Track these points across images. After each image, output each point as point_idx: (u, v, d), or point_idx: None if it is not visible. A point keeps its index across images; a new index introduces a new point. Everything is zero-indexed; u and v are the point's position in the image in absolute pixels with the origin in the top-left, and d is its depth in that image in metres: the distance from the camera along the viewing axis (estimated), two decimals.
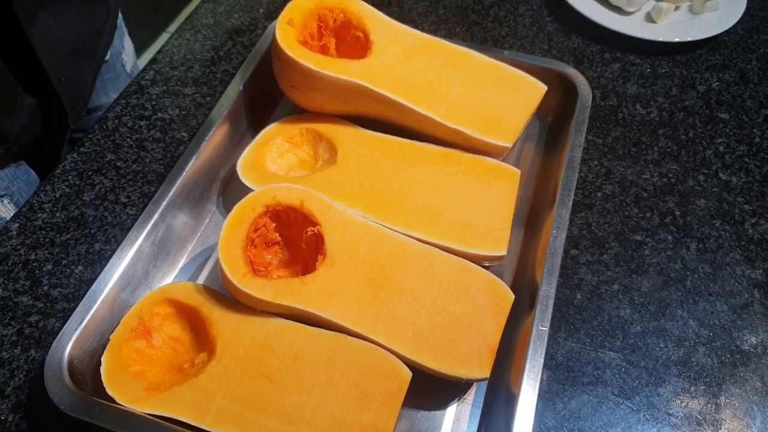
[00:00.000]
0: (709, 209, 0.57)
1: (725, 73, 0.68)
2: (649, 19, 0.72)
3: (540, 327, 0.44)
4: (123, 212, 0.57)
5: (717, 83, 0.67)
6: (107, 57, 0.71)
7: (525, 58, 0.62)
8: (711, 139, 0.62)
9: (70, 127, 0.65)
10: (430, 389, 0.45)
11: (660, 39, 0.69)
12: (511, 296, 0.46)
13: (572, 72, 0.61)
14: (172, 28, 2.35)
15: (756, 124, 0.64)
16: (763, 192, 0.58)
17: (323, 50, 0.61)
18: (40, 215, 0.57)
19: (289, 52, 0.55)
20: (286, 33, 0.56)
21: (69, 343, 0.44)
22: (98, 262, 0.54)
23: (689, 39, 0.69)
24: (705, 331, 0.49)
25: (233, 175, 0.57)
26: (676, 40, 0.69)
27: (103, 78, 0.72)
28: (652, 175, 0.59)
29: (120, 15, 0.74)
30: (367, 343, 0.43)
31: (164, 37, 2.29)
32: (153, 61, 0.70)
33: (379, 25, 0.60)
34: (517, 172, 0.55)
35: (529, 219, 0.57)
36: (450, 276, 0.47)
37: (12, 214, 0.59)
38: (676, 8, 0.73)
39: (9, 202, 0.62)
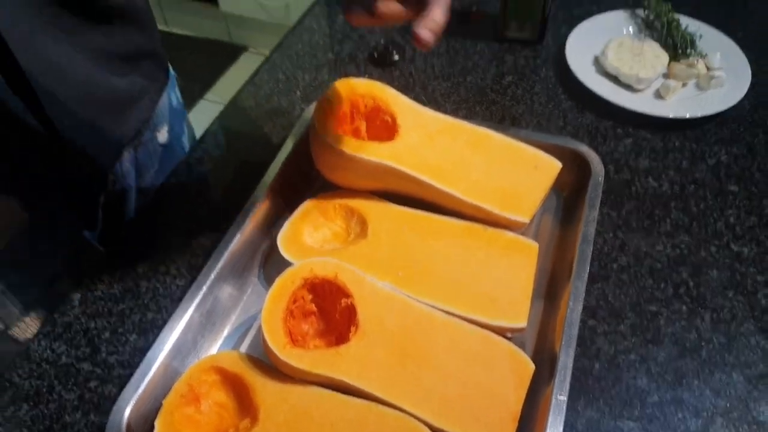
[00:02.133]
0: (722, 280, 0.60)
1: (733, 147, 0.72)
2: (658, 96, 0.77)
3: (559, 397, 0.47)
4: (173, 283, 0.62)
5: (726, 156, 0.71)
6: (164, 140, 0.77)
7: (540, 136, 0.67)
8: (721, 210, 0.66)
9: (82, 185, 0.67)
10: None
11: (669, 115, 0.73)
12: (532, 366, 0.50)
13: (585, 149, 0.65)
14: (210, 96, 2.49)
15: (765, 196, 0.67)
16: None
17: (355, 132, 0.67)
18: (99, 285, 0.63)
19: (325, 137, 0.60)
20: (323, 119, 0.62)
21: (127, 409, 0.49)
22: (150, 330, 0.59)
23: (697, 115, 0.73)
24: (722, 402, 0.52)
25: (273, 247, 0.62)
26: (687, 116, 0.73)
27: (162, 160, 0.78)
28: (665, 247, 0.63)
29: (178, 97, 0.81)
30: (398, 412, 0.47)
31: (202, 104, 2.42)
32: (201, 140, 0.77)
33: (405, 109, 0.66)
34: (536, 246, 0.59)
35: (549, 290, 0.61)
36: (474, 347, 0.50)
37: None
38: (684, 85, 0.78)
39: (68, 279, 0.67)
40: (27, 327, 0.65)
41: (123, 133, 0.68)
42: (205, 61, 2.63)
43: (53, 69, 0.56)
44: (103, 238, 0.72)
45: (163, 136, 0.80)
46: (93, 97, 0.62)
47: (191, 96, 2.42)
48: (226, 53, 2.69)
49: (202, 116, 0.88)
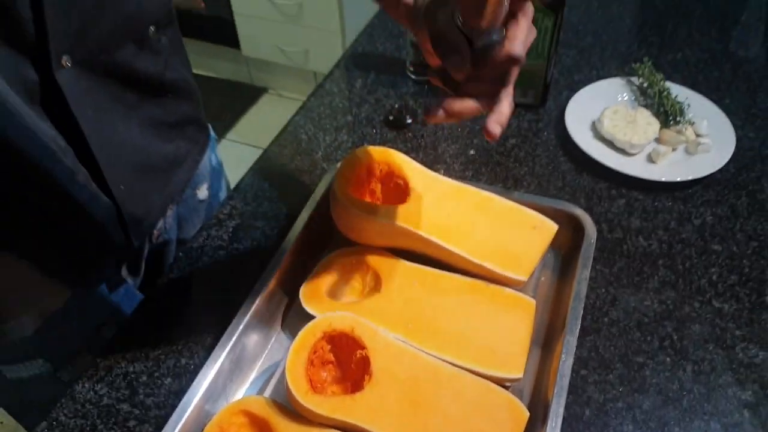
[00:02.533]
0: (704, 334, 0.66)
1: (718, 208, 0.78)
2: (650, 160, 0.84)
3: None
4: (204, 331, 0.69)
5: (711, 217, 0.77)
6: (204, 196, 0.84)
7: (539, 199, 0.74)
8: (705, 269, 0.72)
9: (132, 243, 0.70)
10: None
11: (660, 179, 0.80)
12: (526, 414, 0.56)
13: (580, 212, 0.72)
14: (231, 135, 2.60)
15: (745, 255, 0.73)
16: (752, 319, 0.66)
17: (371, 194, 0.74)
18: (137, 332, 0.70)
19: (344, 201, 0.68)
20: (342, 183, 0.69)
21: None
22: (184, 375, 0.66)
23: (686, 178, 0.79)
24: None
25: (296, 300, 0.69)
26: (676, 179, 0.80)
27: (200, 215, 0.85)
28: (652, 302, 0.69)
29: (217, 156, 0.89)
30: None
31: (223, 144, 2.53)
32: (230, 197, 0.85)
33: (416, 174, 0.73)
34: (533, 302, 0.65)
35: (546, 340, 0.66)
36: (475, 395, 0.56)
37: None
38: (673, 150, 0.85)
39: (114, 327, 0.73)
40: (74, 370, 0.72)
41: (168, 193, 0.75)
42: (227, 102, 2.75)
43: (114, 141, 0.62)
44: (144, 285, 0.79)
45: (203, 193, 0.88)
46: (146, 164, 0.68)
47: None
48: (247, 95, 2.82)
49: (224, 156, 0.96)
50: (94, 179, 0.61)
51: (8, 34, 0.47)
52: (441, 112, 0.49)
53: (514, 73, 0.49)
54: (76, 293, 0.68)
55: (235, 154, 2.42)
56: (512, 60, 0.47)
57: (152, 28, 0.64)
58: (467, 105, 0.50)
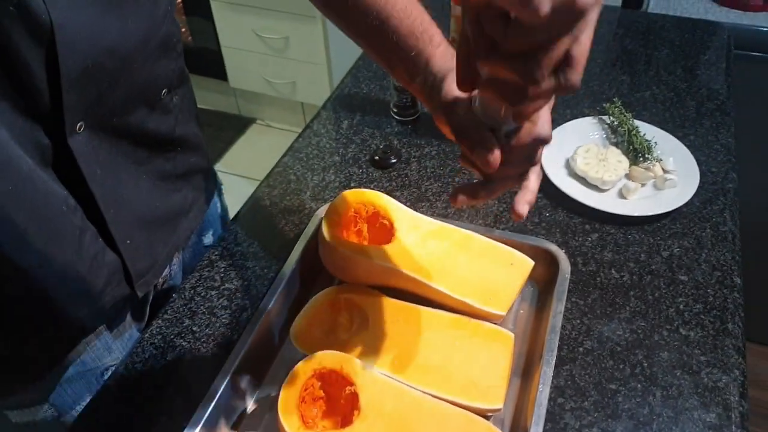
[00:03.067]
0: (671, 361, 0.70)
1: (684, 240, 0.83)
2: (621, 195, 0.89)
3: None
4: (199, 370, 0.72)
5: (678, 249, 0.82)
6: (210, 242, 0.86)
7: (517, 236, 0.78)
8: (673, 298, 0.76)
9: (137, 295, 0.71)
10: None
11: (631, 213, 0.85)
12: None
13: (554, 248, 0.77)
14: (219, 166, 2.64)
15: (709, 285, 0.77)
16: (715, 345, 0.71)
17: (358, 233, 0.78)
18: (133, 374, 0.73)
19: (332, 243, 0.72)
20: (330, 225, 0.73)
21: None
22: (180, 413, 0.69)
23: (654, 212, 0.84)
24: None
25: (287, 339, 0.73)
26: (646, 213, 0.85)
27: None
28: (624, 332, 0.73)
29: (223, 203, 0.92)
30: None
31: None
32: (221, 238, 0.89)
33: (401, 214, 0.77)
34: (511, 336, 0.69)
35: (525, 370, 0.70)
36: (458, 427, 0.60)
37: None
38: (643, 185, 0.90)
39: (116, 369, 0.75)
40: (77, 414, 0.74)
41: (174, 243, 0.76)
42: (215, 132, 2.80)
43: (121, 197, 0.63)
44: (147, 328, 0.82)
45: (208, 239, 0.90)
46: (153, 216, 0.70)
47: None
48: (235, 125, 2.87)
49: None
50: (101, 235, 0.63)
51: (26, 105, 0.50)
52: (462, 198, 0.50)
53: (541, 151, 0.50)
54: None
55: (224, 185, 2.44)
56: (540, 141, 0.48)
57: (165, 91, 0.66)
58: (493, 192, 0.51)
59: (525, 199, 0.50)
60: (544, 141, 0.48)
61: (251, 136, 2.82)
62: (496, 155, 0.46)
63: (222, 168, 2.63)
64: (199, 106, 0.79)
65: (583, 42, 0.36)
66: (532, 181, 0.51)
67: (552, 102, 0.47)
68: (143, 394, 0.71)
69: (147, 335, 0.76)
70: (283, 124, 2.81)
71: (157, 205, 0.70)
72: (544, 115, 0.48)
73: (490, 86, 0.41)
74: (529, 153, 0.49)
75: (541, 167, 0.51)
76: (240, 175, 2.56)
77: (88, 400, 0.71)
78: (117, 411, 0.69)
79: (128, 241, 0.66)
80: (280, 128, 2.82)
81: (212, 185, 0.87)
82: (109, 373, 0.74)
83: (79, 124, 0.55)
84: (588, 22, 0.34)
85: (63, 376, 0.71)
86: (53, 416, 0.72)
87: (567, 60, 0.37)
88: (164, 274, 0.80)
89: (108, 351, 0.74)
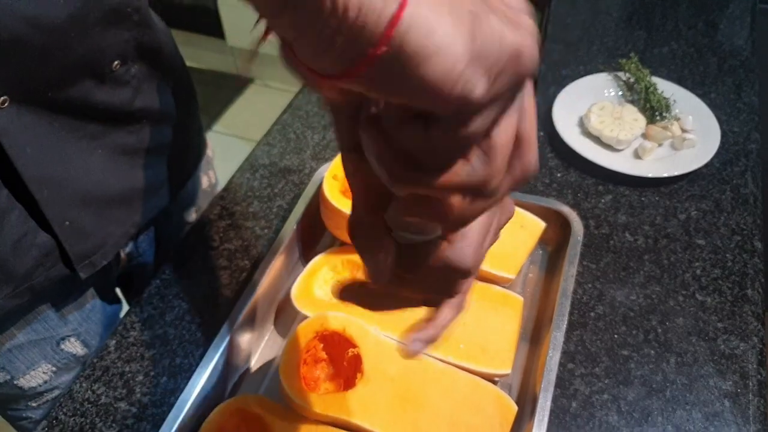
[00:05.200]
0: (687, 327, 0.67)
1: (702, 203, 0.80)
2: (637, 155, 0.85)
3: None
4: (198, 330, 0.70)
5: (695, 212, 0.79)
6: (193, 219, 0.80)
7: (527, 198, 0.75)
8: (689, 263, 0.73)
9: (80, 276, 0.64)
10: None
11: (646, 175, 0.81)
12: (515, 408, 0.57)
13: (567, 210, 0.73)
14: (217, 127, 2.59)
15: (728, 250, 0.74)
16: (733, 311, 0.68)
17: None
18: (132, 333, 0.71)
19: (333, 202, 0.68)
20: (331, 186, 0.70)
21: None
22: (179, 373, 0.67)
23: (671, 174, 0.81)
24: None
25: (288, 300, 0.70)
26: (663, 175, 0.81)
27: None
28: (638, 297, 0.70)
29: (211, 177, 0.86)
30: None
31: (210, 135, 2.52)
32: (220, 197, 0.86)
33: None
34: (521, 299, 0.66)
35: (534, 335, 0.68)
36: (464, 391, 0.58)
37: (79, 351, 0.71)
38: (659, 145, 0.86)
39: (76, 340, 0.71)
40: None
41: (135, 223, 0.69)
42: (213, 93, 2.74)
43: (60, 177, 0.57)
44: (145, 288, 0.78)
45: (191, 216, 0.85)
46: (106, 193, 0.62)
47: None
48: (232, 85, 2.80)
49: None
50: (33, 216, 0.57)
51: None
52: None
53: (465, 285, 0.35)
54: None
55: (221, 146, 2.39)
56: (452, 270, 0.32)
57: (116, 62, 0.59)
58: (390, 307, 0.38)
59: (423, 336, 0.36)
60: (459, 272, 0.32)
61: (249, 96, 2.76)
62: (386, 266, 0.33)
63: (219, 129, 2.58)
64: (194, 65, 0.73)
65: (528, 109, 0.27)
66: (443, 316, 0.36)
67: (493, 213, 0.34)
68: (142, 354, 0.68)
69: (145, 295, 0.74)
70: (281, 84, 2.75)
71: (113, 183, 0.63)
72: (470, 234, 0.32)
73: (414, 210, 0.28)
74: (442, 282, 0.34)
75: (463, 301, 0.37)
76: (238, 136, 2.51)
77: (43, 366, 0.68)
78: (117, 371, 0.67)
79: (67, 222, 0.59)
80: (279, 88, 2.75)
81: (194, 158, 0.81)
82: (66, 342, 0.70)
83: (1, 99, 0.49)
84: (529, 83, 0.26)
85: (11, 343, 0.67)
86: (5, 379, 0.69)
87: (515, 142, 0.26)
88: (128, 251, 0.74)
89: (63, 322, 0.70)
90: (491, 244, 0.34)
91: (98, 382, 0.67)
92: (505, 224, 0.35)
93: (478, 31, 0.21)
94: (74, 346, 0.72)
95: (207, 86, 2.77)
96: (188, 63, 0.76)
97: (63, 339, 0.70)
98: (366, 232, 0.33)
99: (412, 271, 0.33)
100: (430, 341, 0.36)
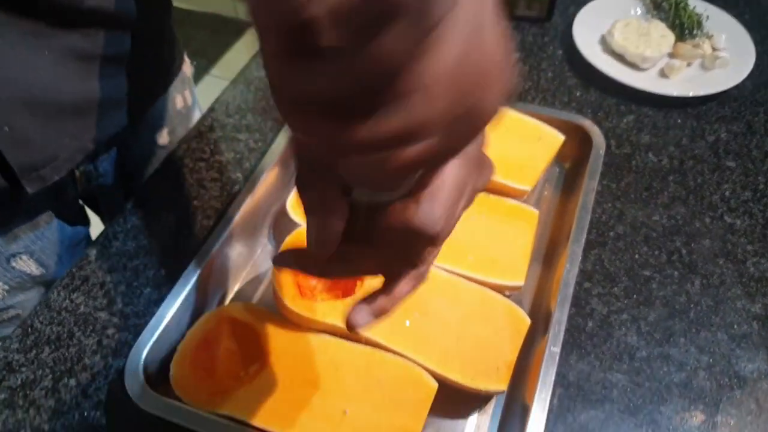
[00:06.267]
0: (714, 249, 0.62)
1: (733, 125, 0.74)
2: (663, 75, 0.79)
3: (552, 348, 0.49)
4: (185, 242, 0.65)
5: (725, 134, 0.73)
6: (165, 142, 0.74)
7: (545, 110, 0.69)
8: (718, 185, 0.68)
9: (26, 190, 0.57)
10: (454, 401, 0.51)
11: (673, 93, 0.75)
12: (527, 321, 0.52)
13: (588, 123, 0.67)
14: (215, 71, 2.51)
15: (761, 172, 0.69)
16: (764, 234, 0.63)
17: None
18: (114, 243, 0.66)
19: None
20: None
21: (143, 353, 0.52)
22: (164, 285, 0.62)
23: (700, 93, 0.75)
24: (705, 358, 0.54)
25: (282, 211, 0.65)
26: (690, 94, 0.75)
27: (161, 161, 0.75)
28: (661, 217, 0.65)
29: (187, 98, 0.79)
30: (399, 357, 0.50)
31: (207, 80, 2.44)
32: (211, 109, 0.80)
33: None
34: (536, 213, 0.61)
35: (546, 256, 0.63)
36: (473, 303, 0.53)
37: (34, 270, 0.66)
38: (688, 65, 0.79)
39: (29, 259, 0.65)
40: None
41: (92, 138, 0.62)
42: (210, 37, 2.64)
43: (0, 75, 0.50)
44: (130, 196, 0.72)
45: (163, 138, 0.78)
46: (55, 101, 0.56)
47: (196, 71, 2.44)
48: (231, 29, 2.70)
49: (208, 91, 0.88)
50: None
51: None
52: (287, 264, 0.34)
53: (431, 255, 0.31)
54: None
55: (218, 91, 2.31)
56: (414, 233, 0.27)
57: None
58: (338, 274, 0.33)
59: (374, 308, 0.32)
60: (424, 237, 0.28)
61: (249, 40, 2.67)
62: (332, 238, 0.29)
63: (217, 73, 2.50)
64: (193, 8, 0.65)
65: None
66: (401, 288, 0.32)
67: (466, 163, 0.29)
68: (124, 264, 0.63)
69: (130, 205, 0.69)
70: None
71: (64, 90, 0.56)
72: (440, 195, 0.27)
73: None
74: (405, 249, 0.30)
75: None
76: None
77: None
78: (97, 280, 0.62)
79: (6, 128, 0.53)
80: None
81: (165, 74, 0.74)
82: (18, 260, 0.65)
83: None
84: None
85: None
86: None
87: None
88: (86, 169, 0.67)
89: (14, 239, 0.63)
90: (465, 209, 0.31)
91: (77, 292, 0.62)
92: (482, 188, 0.32)
93: None
94: (27, 265, 0.65)
95: (205, 29, 2.67)
96: (186, 6, 0.69)
97: (13, 256, 0.64)
98: (319, 192, 0.28)
99: (369, 240, 0.29)
100: (381, 314, 0.32)
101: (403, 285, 0.32)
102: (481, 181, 0.31)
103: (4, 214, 0.62)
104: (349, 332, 0.32)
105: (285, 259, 0.34)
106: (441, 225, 0.27)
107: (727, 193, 0.67)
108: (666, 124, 0.75)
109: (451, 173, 0.27)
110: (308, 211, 0.29)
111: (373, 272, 0.33)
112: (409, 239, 0.28)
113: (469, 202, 0.31)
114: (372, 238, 0.29)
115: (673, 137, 0.73)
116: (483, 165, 0.31)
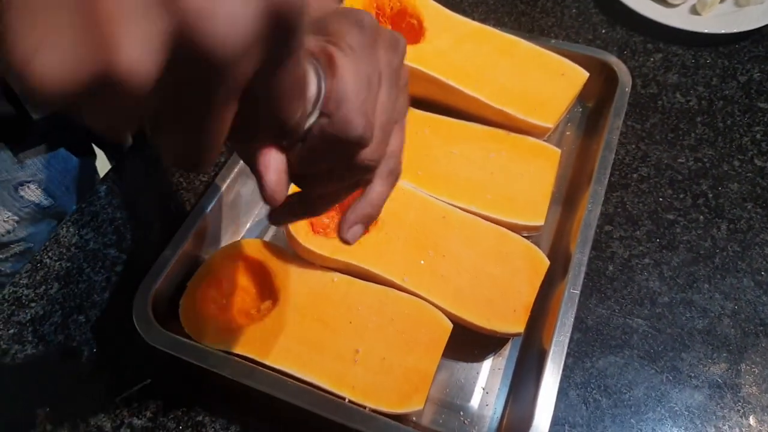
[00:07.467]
0: (742, 193, 0.60)
1: (767, 65, 0.70)
2: (694, 11, 0.75)
3: (572, 290, 0.48)
4: (196, 179, 0.64)
5: (758, 74, 0.69)
6: None
7: (569, 46, 0.66)
8: (749, 127, 0.65)
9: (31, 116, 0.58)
10: (469, 343, 0.50)
11: (705, 31, 0.71)
12: (546, 262, 0.51)
13: (613, 60, 0.64)
14: None
15: None
16: None
17: None
18: (124, 179, 0.64)
19: None
20: None
21: (152, 289, 0.51)
22: (174, 221, 0.60)
23: (734, 31, 0.71)
24: (730, 304, 0.52)
25: None
26: (722, 31, 0.71)
27: None
28: (687, 160, 0.62)
29: None
30: (413, 296, 0.48)
31: None
32: None
33: (433, 12, 0.64)
34: (558, 151, 0.59)
35: (567, 197, 0.61)
36: (490, 242, 0.51)
37: (43, 200, 0.65)
38: (722, 1, 0.75)
39: (37, 188, 0.65)
40: None
41: None
42: None
43: None
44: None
45: None
46: None
47: None
48: None
49: None
50: None
51: None
52: (279, 213, 0.33)
53: (379, 149, 0.29)
54: None
55: None
56: (343, 143, 0.27)
57: None
58: (315, 209, 0.32)
59: (355, 215, 0.31)
60: (353, 142, 0.27)
61: None
62: (281, 182, 0.27)
63: None
64: None
65: None
66: (376, 188, 0.31)
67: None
68: (134, 201, 0.62)
69: (137, 144, 0.67)
70: None
71: None
72: (348, 98, 0.26)
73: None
74: (341, 159, 0.28)
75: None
76: None
77: (3, 213, 0.62)
78: (107, 216, 0.61)
79: None
80: None
81: None
82: (26, 189, 0.64)
83: None
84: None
85: None
86: None
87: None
88: None
89: (20, 166, 0.63)
90: (399, 89, 0.30)
91: (86, 227, 0.61)
92: (401, 60, 0.31)
93: None
94: (35, 194, 0.65)
95: None
96: None
97: (21, 184, 0.63)
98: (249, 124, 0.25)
99: (313, 166, 0.28)
100: (367, 220, 0.32)
101: (377, 186, 0.31)
102: (396, 55, 0.30)
103: (12, 141, 0.60)
104: (348, 245, 0.32)
105: (278, 217, 0.33)
106: (360, 123, 0.26)
107: (758, 136, 0.64)
108: (695, 63, 0.71)
109: (347, 72, 0.26)
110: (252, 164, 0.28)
111: (344, 191, 0.32)
112: (340, 150, 0.27)
113: (396, 81, 0.30)
114: (314, 164, 0.28)
115: (703, 77, 0.70)
116: (385, 40, 0.30)
